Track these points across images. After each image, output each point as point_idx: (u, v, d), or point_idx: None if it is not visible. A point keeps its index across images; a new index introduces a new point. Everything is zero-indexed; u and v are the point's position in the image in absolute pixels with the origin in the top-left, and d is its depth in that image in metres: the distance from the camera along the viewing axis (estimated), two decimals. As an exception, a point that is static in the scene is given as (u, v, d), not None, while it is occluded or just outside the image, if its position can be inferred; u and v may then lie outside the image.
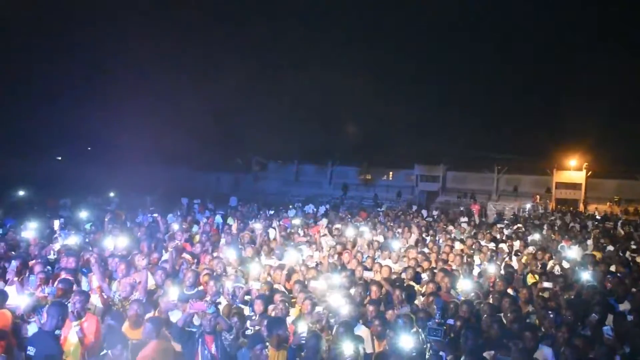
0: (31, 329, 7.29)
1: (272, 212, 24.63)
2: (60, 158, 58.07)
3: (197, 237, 14.46)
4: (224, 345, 6.67)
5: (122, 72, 51.23)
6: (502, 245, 16.07)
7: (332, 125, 51.20)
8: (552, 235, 20.23)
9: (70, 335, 6.77)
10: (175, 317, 7.53)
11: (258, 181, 53.84)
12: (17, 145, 50.86)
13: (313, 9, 55.64)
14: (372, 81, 52.32)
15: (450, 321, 6.82)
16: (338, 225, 18.89)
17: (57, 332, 6.67)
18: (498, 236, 18.53)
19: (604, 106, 43.63)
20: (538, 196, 40.98)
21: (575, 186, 45.67)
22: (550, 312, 7.83)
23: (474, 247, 15.37)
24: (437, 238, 17.76)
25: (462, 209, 35.41)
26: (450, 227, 21.10)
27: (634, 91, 44.73)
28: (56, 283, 8.03)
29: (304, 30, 55.89)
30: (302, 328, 6.56)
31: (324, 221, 19.62)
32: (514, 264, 13.05)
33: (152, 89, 53.13)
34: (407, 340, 6.21)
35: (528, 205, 36.70)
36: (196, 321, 7.33)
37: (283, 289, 9.16)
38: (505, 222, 26.26)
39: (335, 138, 49.58)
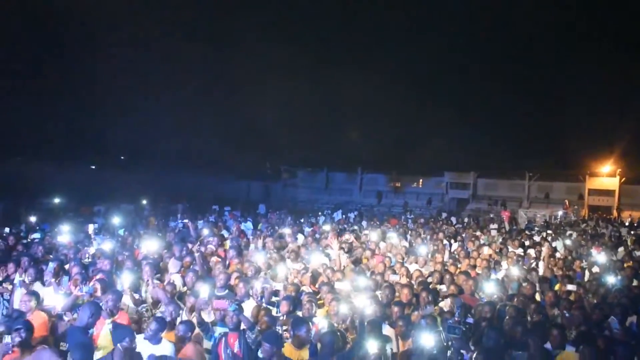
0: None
1: (301, 219, 24.93)
2: (94, 167, 59.18)
3: (227, 243, 14.76)
4: (247, 344, 6.86)
5: (154, 82, 52.08)
6: (531, 251, 16.03)
7: (362, 132, 51.40)
8: (582, 242, 20.08)
9: (103, 332, 7.06)
10: (207, 317, 7.81)
11: (287, 188, 54.18)
12: (52, 152, 52.06)
13: (345, 12, 56.06)
14: (403, 87, 52.49)
15: (470, 320, 6.90)
16: (366, 231, 19.06)
17: (90, 330, 6.98)
18: (527, 242, 18.44)
19: (638, 110, 43.01)
20: (568, 202, 40.48)
21: (608, 193, 44.93)
22: (567, 312, 7.91)
23: (502, 252, 15.38)
24: (465, 244, 17.77)
25: (492, 216, 35.19)
26: (479, 234, 21.06)
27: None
28: (93, 282, 8.37)
29: (334, 36, 56.34)
30: (323, 324, 6.71)
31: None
32: (541, 269, 13.05)
33: (184, 99, 53.98)
34: (428, 339, 6.36)
35: (560, 212, 36.26)
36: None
37: (309, 291, 9.36)
38: (536, 228, 26.08)
39: (365, 145, 49.70)
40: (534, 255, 15.15)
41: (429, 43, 54.38)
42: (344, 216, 26.75)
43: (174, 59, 51.09)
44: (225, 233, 17.19)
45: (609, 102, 48.31)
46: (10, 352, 6.05)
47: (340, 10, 56.90)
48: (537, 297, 9.92)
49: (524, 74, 53.02)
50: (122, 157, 61.04)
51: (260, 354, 6.42)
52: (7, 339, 6.15)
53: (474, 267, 12.60)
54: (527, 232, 22.77)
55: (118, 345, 6.29)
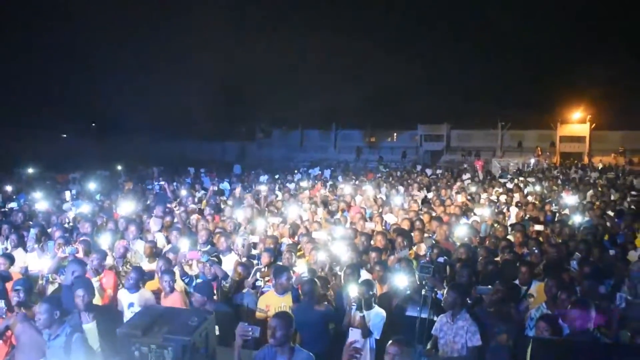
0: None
1: (277, 176, 25.18)
2: (65, 135, 58.50)
3: (204, 202, 14.97)
4: (223, 291, 7.16)
5: (124, 44, 51.27)
6: (503, 197, 16.48)
7: (334, 89, 51.28)
8: (554, 187, 20.64)
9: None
10: (189, 271, 8.09)
11: (262, 148, 54.17)
12: (23, 123, 51.34)
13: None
14: (373, 42, 52.28)
15: (441, 259, 7.22)
16: (342, 185, 19.39)
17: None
18: (500, 189, 18.90)
19: (608, 58, 43.47)
20: (540, 149, 41.12)
21: (579, 139, 45.67)
22: (535, 248, 8.30)
23: (474, 199, 15.81)
24: (439, 193, 18.17)
25: (465, 166, 35.71)
26: (453, 183, 21.53)
27: (638, 43, 44.46)
28: (76, 244, 8.54)
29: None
30: (303, 270, 6.96)
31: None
32: (513, 214, 13.48)
33: (155, 62, 53.25)
34: (402, 280, 6.71)
35: (532, 160, 36.93)
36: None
37: (289, 242, 9.63)
38: (509, 176, 26.62)
39: (339, 102, 49.62)
40: (504, 201, 15.60)
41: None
42: (320, 172, 26.97)
43: (143, 20, 50.11)
44: (202, 193, 17.42)
45: (579, 50, 48.71)
46: (3, 315, 6.19)
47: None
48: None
49: (495, 24, 53.08)
50: (93, 124, 60.31)
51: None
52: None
53: (447, 214, 13.00)
54: (500, 180, 23.27)
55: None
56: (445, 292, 6.20)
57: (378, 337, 6.24)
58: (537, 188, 19.17)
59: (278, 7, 54.89)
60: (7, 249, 9.53)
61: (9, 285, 7.10)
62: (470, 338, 5.78)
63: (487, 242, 9.57)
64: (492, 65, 52.02)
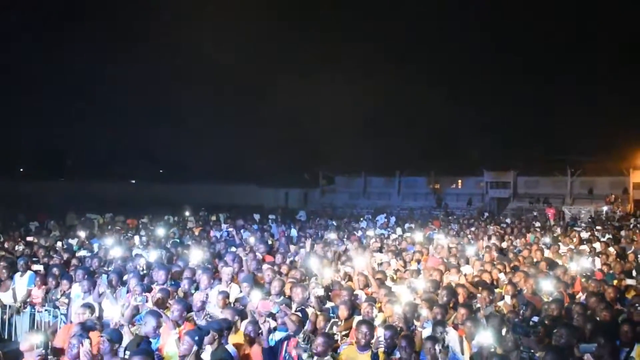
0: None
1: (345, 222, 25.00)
2: (134, 181, 60.30)
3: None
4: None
5: (188, 93, 52.85)
6: (583, 247, 15.72)
7: (398, 135, 51.14)
8: (634, 237, 19.61)
9: (169, 344, 7.06)
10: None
11: (325, 195, 54.18)
12: (93, 170, 53.35)
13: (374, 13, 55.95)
14: (436, 88, 52.12)
15: (535, 318, 6.75)
16: (409, 234, 18.97)
17: (156, 341, 7.01)
18: (576, 240, 18.06)
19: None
20: (614, 196, 39.50)
21: (654, 185, 43.81)
22: (637, 305, 7.69)
23: (551, 249, 15.14)
24: (514, 243, 17.50)
25: (535, 214, 34.62)
26: (526, 232, 20.80)
27: None
28: (153, 293, 8.44)
29: (366, 40, 56.29)
30: (381, 332, 6.61)
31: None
32: (597, 265, 12.75)
33: (219, 109, 54.59)
34: (486, 337, 6.32)
35: (605, 208, 35.46)
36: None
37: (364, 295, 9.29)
38: (583, 224, 25.59)
39: (402, 148, 49.39)
40: (588, 250, 14.84)
41: (462, 39, 54.09)
42: (386, 220, 26.61)
43: (205, 65, 51.67)
44: (270, 241, 17.28)
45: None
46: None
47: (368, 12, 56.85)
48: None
49: (561, 67, 52.20)
50: (161, 171, 62.02)
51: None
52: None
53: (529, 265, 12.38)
54: (574, 228, 22.34)
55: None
56: (543, 354, 5.75)
57: None
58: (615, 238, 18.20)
59: (341, 54, 55.66)
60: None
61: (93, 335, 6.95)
62: None
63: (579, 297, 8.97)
64: (560, 109, 50.97)
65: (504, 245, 17.31)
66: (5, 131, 48.34)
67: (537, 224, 25.11)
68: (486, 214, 33.86)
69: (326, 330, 7.54)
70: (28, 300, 10.68)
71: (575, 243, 17.06)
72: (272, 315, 7.69)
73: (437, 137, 49.46)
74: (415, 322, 7.60)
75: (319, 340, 6.46)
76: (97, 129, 53.49)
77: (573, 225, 25.81)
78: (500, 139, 47.94)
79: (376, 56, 57.15)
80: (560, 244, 16.89)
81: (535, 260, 13.02)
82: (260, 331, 7.08)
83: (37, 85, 52.09)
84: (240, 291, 9.70)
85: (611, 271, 11.92)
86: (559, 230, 22.45)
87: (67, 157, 57.32)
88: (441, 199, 45.84)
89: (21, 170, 61.15)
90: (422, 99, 50.94)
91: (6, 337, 10.33)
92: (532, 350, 5.98)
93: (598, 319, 7.59)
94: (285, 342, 7.02)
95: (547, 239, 18.01)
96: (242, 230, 19.99)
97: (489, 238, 18.49)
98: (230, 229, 19.01)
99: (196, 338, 6.07)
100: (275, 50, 54.96)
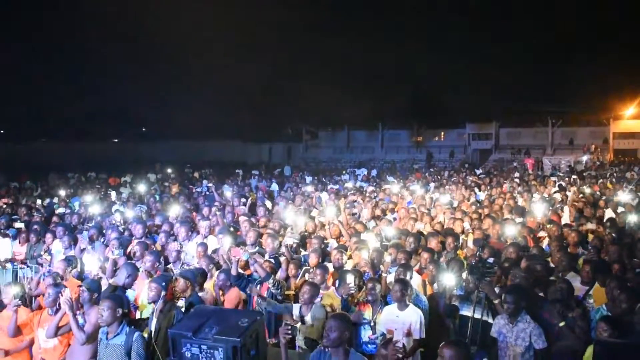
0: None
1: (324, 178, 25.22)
2: (116, 140, 60.07)
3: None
4: (271, 293, 7.14)
5: (169, 50, 52.18)
6: (556, 196, 16.08)
7: (380, 89, 51.00)
8: (609, 186, 20.01)
9: (143, 293, 7.33)
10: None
11: (309, 150, 54.29)
12: (76, 130, 53.05)
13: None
14: (418, 40, 51.81)
15: (490, 260, 7.04)
16: (387, 186, 19.27)
17: (130, 290, 7.28)
18: (553, 188, 18.45)
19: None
20: (593, 146, 39.94)
21: (634, 135, 44.32)
22: (591, 248, 8.04)
23: (525, 197, 15.49)
24: (490, 193, 17.87)
25: (515, 164, 35.06)
26: (503, 181, 21.16)
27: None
28: (132, 246, 8.71)
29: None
30: (350, 279, 6.87)
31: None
32: (566, 213, 13.10)
33: (201, 65, 54.02)
34: (451, 279, 6.64)
35: (585, 158, 35.95)
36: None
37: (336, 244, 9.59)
38: (560, 174, 26.01)
39: (384, 102, 49.31)
40: (559, 199, 15.20)
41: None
42: (367, 173, 26.90)
43: (188, 25, 50.95)
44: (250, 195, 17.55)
45: (631, 43, 47.13)
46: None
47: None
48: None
49: (543, 20, 51.98)
50: (143, 129, 61.71)
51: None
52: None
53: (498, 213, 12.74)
54: (551, 178, 22.74)
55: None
56: (503, 295, 6.07)
57: (418, 337, 6.12)
58: (588, 189, 18.57)
59: (323, 9, 54.95)
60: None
61: (72, 284, 7.20)
62: (536, 341, 5.71)
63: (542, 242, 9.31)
64: (541, 61, 50.97)
65: (482, 195, 17.68)
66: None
67: (516, 174, 25.51)
68: (467, 166, 34.22)
69: (298, 277, 7.85)
70: (10, 256, 10.88)
71: (548, 191, 17.44)
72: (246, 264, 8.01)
73: (420, 90, 49.36)
74: (381, 267, 7.91)
75: (305, 288, 6.69)
76: (77, 88, 53.02)
77: (552, 175, 26.22)
78: (482, 91, 47.95)
79: (357, 11, 56.53)
80: (535, 193, 17.26)
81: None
82: (229, 282, 7.35)
83: (15, 43, 51.24)
84: (218, 243, 9.99)
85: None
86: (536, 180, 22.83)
87: (48, 117, 56.78)
88: (431, 154, 46.03)
89: (1, 131, 60.66)
90: (404, 53, 50.74)
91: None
92: (482, 290, 6.28)
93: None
94: (258, 287, 7.30)
95: (524, 188, 18.40)
96: (223, 186, 20.23)
97: (466, 189, 18.85)
98: (210, 185, 19.23)
99: (163, 284, 6.31)
100: (254, 6, 54.12)
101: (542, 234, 10.29)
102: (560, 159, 36.39)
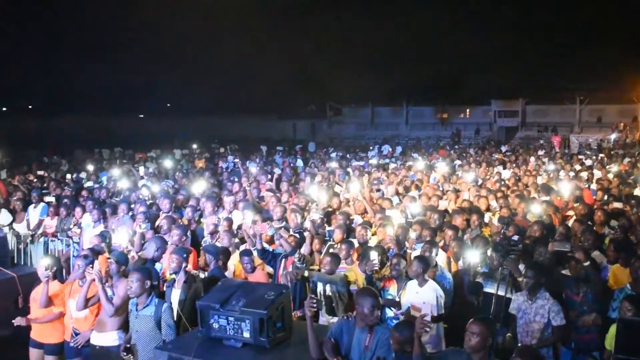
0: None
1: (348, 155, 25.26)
2: (142, 115, 60.59)
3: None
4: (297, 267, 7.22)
5: (195, 26, 52.28)
6: (583, 174, 15.92)
7: (405, 65, 50.52)
8: (639, 164, 19.71)
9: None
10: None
11: (333, 126, 54.13)
12: (103, 105, 53.68)
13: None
14: (444, 16, 51.15)
15: (515, 237, 7.03)
16: (411, 163, 19.26)
17: (158, 264, 7.44)
18: (579, 167, 18.25)
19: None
20: (622, 124, 39.19)
21: (665, 112, 43.36)
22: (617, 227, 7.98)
23: (551, 176, 15.35)
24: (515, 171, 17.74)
25: (541, 142, 34.66)
26: (529, 159, 20.98)
27: None
28: (160, 220, 8.87)
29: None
30: (373, 256, 6.92)
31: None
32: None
33: (226, 42, 54.06)
34: (473, 256, 6.67)
35: (613, 136, 35.33)
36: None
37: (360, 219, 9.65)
38: (587, 152, 25.70)
39: (409, 78, 48.85)
40: (586, 177, 15.06)
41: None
42: (391, 149, 26.85)
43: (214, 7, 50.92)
44: (277, 170, 17.66)
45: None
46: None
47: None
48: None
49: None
50: (168, 105, 62.09)
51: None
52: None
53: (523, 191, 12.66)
54: (579, 156, 22.48)
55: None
56: (523, 271, 6.08)
57: (436, 313, 6.16)
58: (616, 167, 18.31)
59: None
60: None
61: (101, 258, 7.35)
62: (554, 317, 5.72)
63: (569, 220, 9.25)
64: (569, 36, 49.97)
65: (507, 173, 17.55)
66: (10, 68, 48.48)
67: (542, 152, 25.25)
68: (492, 143, 33.96)
69: (322, 253, 7.94)
70: (41, 230, 11.14)
71: (575, 169, 17.26)
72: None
73: (445, 66, 48.80)
74: (406, 244, 7.95)
75: (326, 259, 6.91)
76: (104, 64, 53.52)
77: (579, 153, 25.92)
78: (509, 68, 47.22)
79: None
80: (562, 170, 17.09)
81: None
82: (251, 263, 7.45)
83: (44, 20, 51.85)
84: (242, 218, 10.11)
85: (606, 197, 12.13)
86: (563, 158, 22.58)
87: (74, 93, 57.41)
88: (460, 131, 45.34)
89: (29, 107, 61.48)
90: (429, 29, 50.13)
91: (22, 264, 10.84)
92: (507, 268, 6.30)
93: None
94: (283, 261, 7.43)
95: (551, 167, 18.20)
96: (247, 162, 20.36)
97: (491, 165, 18.75)
98: (236, 160, 19.38)
99: (184, 255, 6.51)
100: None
101: (569, 213, 10.24)
102: (588, 137, 35.84)
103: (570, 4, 49.56)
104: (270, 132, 48.76)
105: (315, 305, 5.06)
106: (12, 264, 8.26)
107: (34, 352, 6.75)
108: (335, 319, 6.23)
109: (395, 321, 6.25)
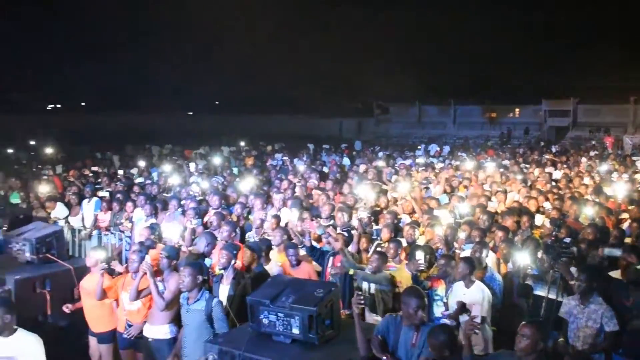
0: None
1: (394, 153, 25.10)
2: (191, 113, 61.65)
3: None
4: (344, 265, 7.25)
5: (241, 25, 52.91)
6: (637, 176, 15.51)
7: (453, 63, 50.02)
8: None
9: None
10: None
11: (380, 124, 53.91)
12: (154, 103, 54.92)
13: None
14: (494, 13, 50.45)
15: (567, 240, 6.89)
16: (458, 162, 19.07)
17: (208, 260, 7.58)
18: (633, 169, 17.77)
19: None
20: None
21: None
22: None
23: (604, 177, 15.00)
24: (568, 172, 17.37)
25: (593, 142, 33.78)
26: (581, 160, 20.53)
27: None
28: (209, 216, 9.03)
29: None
30: (420, 256, 6.89)
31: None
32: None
33: (273, 41, 54.50)
34: (523, 258, 6.60)
35: (669, 137, 34.29)
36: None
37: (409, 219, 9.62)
38: (643, 154, 24.99)
39: (457, 76, 48.34)
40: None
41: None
42: (439, 149, 26.60)
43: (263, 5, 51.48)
44: (324, 169, 17.77)
45: None
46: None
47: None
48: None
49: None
50: (216, 102, 63.00)
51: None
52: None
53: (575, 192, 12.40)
54: (633, 157, 21.87)
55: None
56: (576, 274, 5.97)
57: (479, 315, 6.06)
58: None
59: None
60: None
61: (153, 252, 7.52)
62: (607, 323, 5.60)
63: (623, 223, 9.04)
64: (623, 35, 48.63)
65: (558, 174, 17.19)
66: (66, 67, 50.00)
67: (593, 153, 24.65)
68: (542, 143, 33.29)
69: (370, 252, 7.95)
70: (95, 224, 11.47)
71: (630, 171, 16.81)
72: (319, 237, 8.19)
73: (494, 64, 48.11)
74: (455, 244, 7.90)
75: (374, 257, 6.93)
76: (155, 64, 54.75)
77: (633, 154, 25.20)
78: (559, 67, 46.23)
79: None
80: (615, 172, 16.68)
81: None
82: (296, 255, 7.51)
83: (93, 22, 53.29)
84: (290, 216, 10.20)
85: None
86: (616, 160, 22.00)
87: (126, 91, 58.88)
88: (511, 131, 44.56)
89: (83, 104, 63.31)
90: (478, 26, 49.50)
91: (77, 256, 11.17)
92: (558, 270, 6.18)
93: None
94: (332, 258, 7.48)
95: (603, 168, 17.75)
96: (295, 160, 20.52)
97: (542, 166, 18.38)
98: (285, 158, 19.58)
99: (234, 252, 6.63)
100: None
101: (624, 215, 9.99)
102: (643, 139, 34.86)
103: (624, 3, 48.25)
104: (316, 130, 48.90)
105: (362, 301, 5.10)
106: (68, 256, 8.48)
107: (92, 340, 7.06)
108: (379, 318, 6.24)
109: (444, 320, 6.25)
